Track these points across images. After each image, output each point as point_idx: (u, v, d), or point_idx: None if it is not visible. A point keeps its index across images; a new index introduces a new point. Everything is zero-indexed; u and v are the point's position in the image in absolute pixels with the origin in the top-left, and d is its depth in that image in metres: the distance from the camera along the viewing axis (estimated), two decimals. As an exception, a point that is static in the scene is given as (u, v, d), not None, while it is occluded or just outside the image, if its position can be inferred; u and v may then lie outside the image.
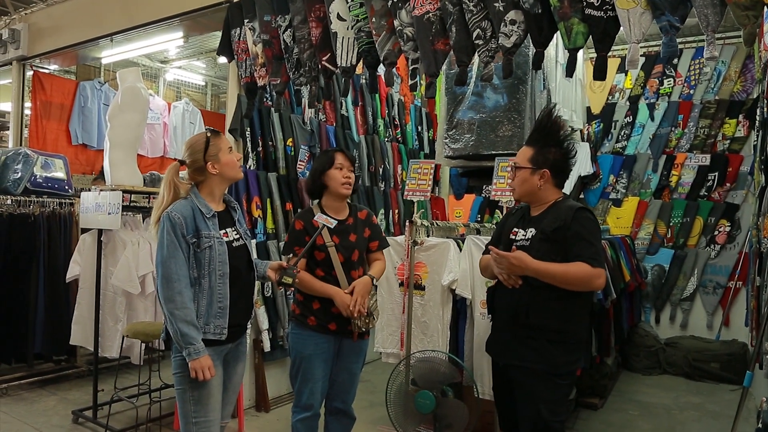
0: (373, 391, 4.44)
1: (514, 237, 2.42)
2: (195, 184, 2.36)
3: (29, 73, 6.07)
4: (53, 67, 6.41)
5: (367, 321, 2.66)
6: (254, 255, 2.70)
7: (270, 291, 4.18)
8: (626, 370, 5.46)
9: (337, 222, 2.66)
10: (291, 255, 2.60)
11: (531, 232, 2.36)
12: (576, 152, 2.45)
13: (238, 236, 2.40)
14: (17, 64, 5.91)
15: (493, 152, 3.92)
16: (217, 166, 2.32)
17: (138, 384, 3.81)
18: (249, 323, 2.59)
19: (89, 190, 4.05)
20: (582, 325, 2.34)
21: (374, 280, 2.72)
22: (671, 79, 6.07)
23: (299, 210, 4.29)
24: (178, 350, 2.23)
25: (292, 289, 2.71)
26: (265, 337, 4.12)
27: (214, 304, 2.26)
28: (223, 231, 2.33)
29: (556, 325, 2.26)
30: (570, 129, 5.30)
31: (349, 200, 2.81)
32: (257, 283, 3.37)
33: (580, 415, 4.18)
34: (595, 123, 6.33)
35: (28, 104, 6.14)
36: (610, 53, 2.70)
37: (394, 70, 3.31)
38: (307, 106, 4.71)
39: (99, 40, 5.14)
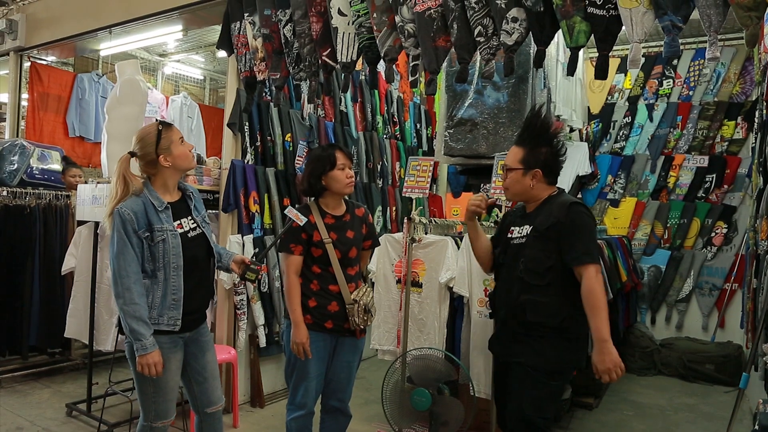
0: (368, 388, 4.44)
1: (510, 236, 2.46)
2: (147, 177, 2.38)
3: (27, 65, 6.03)
4: (51, 58, 6.35)
5: (365, 318, 2.66)
6: (217, 242, 2.77)
7: (267, 287, 4.16)
8: (621, 370, 5.46)
9: (334, 219, 2.69)
10: (285, 252, 2.62)
11: (526, 229, 2.38)
12: (566, 149, 2.48)
13: (195, 225, 2.43)
14: (14, 54, 5.87)
15: (496, 154, 3.92)
16: (169, 159, 2.35)
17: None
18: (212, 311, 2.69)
19: (86, 182, 4.02)
20: (579, 321, 2.33)
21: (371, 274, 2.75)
22: (670, 80, 6.06)
23: (296, 206, 4.27)
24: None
25: (255, 284, 3.07)
26: (261, 333, 4.11)
27: (168, 296, 2.31)
28: (178, 222, 2.35)
29: (553, 322, 2.27)
30: (569, 128, 5.29)
31: (346, 197, 2.80)
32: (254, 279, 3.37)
33: (575, 414, 4.18)
34: (594, 123, 6.33)
35: (25, 95, 6.09)
36: (610, 53, 2.70)
37: (393, 66, 3.30)
38: (306, 102, 4.69)
39: (97, 32, 5.10)
